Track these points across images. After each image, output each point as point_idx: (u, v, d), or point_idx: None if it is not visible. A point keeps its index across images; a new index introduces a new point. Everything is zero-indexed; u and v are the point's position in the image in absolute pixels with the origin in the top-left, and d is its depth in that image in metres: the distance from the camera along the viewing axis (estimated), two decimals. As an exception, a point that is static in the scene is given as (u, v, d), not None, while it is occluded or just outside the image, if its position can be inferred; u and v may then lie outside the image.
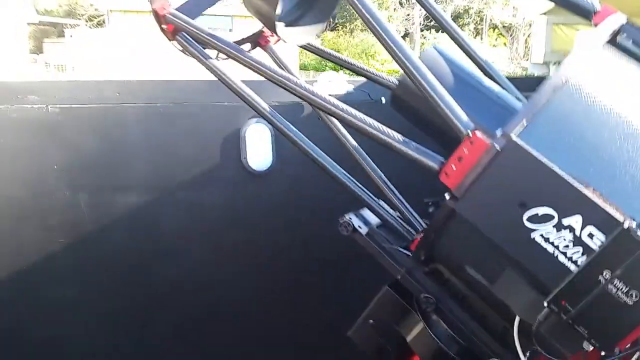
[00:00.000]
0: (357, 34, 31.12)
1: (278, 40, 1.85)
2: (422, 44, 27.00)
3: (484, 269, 1.22)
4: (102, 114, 2.62)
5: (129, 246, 2.73)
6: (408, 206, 1.52)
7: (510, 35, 26.05)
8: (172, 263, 2.78)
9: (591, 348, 1.08)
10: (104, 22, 26.69)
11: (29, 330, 2.64)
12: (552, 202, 1.06)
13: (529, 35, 26.72)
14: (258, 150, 2.83)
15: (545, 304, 1.08)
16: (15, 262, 2.61)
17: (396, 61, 1.26)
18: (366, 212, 1.60)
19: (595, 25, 1.33)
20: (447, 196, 1.16)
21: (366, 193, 1.53)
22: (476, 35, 29.08)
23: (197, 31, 1.50)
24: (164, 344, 2.83)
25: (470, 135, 1.13)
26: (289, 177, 2.88)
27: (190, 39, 1.52)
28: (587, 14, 1.36)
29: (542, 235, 1.07)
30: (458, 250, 1.28)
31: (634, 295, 1.01)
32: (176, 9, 1.50)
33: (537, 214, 1.07)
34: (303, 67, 24.44)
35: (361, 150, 1.64)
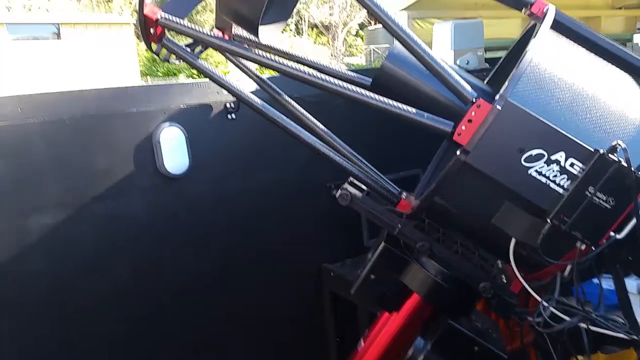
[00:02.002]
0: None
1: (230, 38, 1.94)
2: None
3: (484, 210, 1.52)
4: (3, 133, 2.42)
5: (48, 270, 2.57)
6: (382, 175, 1.76)
7: (330, 34, 27.67)
8: (96, 279, 2.69)
9: (584, 246, 1.46)
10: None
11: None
12: (541, 144, 1.41)
13: (347, 33, 28.72)
14: (173, 153, 2.84)
15: (549, 220, 1.43)
16: None
17: (397, 38, 1.49)
18: (348, 185, 1.80)
19: (530, 15, 1.70)
20: (458, 152, 1.44)
21: (351, 164, 1.72)
22: (297, 34, 30.42)
23: (194, 31, 1.56)
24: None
25: (476, 101, 1.43)
26: (207, 179, 2.94)
27: (175, 42, 1.58)
28: (524, 6, 1.72)
29: (536, 170, 1.42)
30: (461, 199, 1.57)
31: (611, 201, 1.41)
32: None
33: (531, 155, 1.41)
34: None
35: (331, 133, 1.82)
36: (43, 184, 2.54)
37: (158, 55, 1.64)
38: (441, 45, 3.88)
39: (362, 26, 29.76)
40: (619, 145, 1.42)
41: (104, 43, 20.03)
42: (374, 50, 25.86)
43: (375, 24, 28.94)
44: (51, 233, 2.56)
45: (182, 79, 21.71)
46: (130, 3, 30.78)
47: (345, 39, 28.79)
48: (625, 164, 1.41)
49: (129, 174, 2.75)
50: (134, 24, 20.37)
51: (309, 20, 29.64)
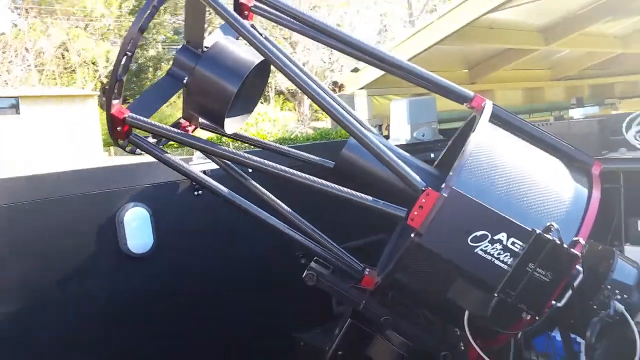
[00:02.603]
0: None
1: (196, 128, 2.06)
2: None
3: (440, 285, 1.63)
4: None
5: (7, 358, 2.51)
6: (346, 252, 1.86)
7: (296, 100, 28.37)
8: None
9: (529, 317, 1.60)
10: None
11: None
12: (484, 226, 1.57)
13: (313, 99, 29.47)
14: (137, 233, 2.87)
15: (496, 295, 1.57)
16: None
17: (354, 137, 1.63)
18: (315, 264, 1.89)
19: (471, 107, 1.88)
20: (412, 235, 1.58)
21: (317, 245, 1.82)
22: (264, 102, 31.09)
23: (159, 129, 1.66)
24: None
25: (425, 189, 1.58)
26: (172, 256, 2.96)
27: (144, 138, 1.68)
28: (465, 100, 1.90)
29: (482, 249, 1.57)
30: (418, 275, 1.68)
31: (549, 275, 1.57)
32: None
33: (476, 235, 1.57)
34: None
35: (295, 213, 1.92)
36: (3, 269, 2.52)
37: (124, 149, 1.73)
38: (398, 119, 4.10)
39: (327, 92, 30.64)
40: (553, 226, 1.57)
41: (66, 116, 19.92)
42: (339, 115, 26.58)
43: (339, 90, 29.96)
44: (11, 322, 2.51)
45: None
46: (95, 72, 31.10)
47: (310, 105, 29.54)
48: (558, 242, 1.55)
49: (92, 255, 2.76)
50: (97, 96, 20.54)
51: (275, 87, 30.41)
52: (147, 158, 2.17)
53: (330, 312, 3.34)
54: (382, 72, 4.72)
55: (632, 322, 1.74)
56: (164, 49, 33.67)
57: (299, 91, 28.26)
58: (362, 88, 4.83)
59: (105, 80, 31.37)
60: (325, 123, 29.78)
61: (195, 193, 3.05)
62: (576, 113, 3.63)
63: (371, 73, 4.87)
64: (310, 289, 3.24)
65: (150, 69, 31.98)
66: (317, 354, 2.13)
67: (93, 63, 30.56)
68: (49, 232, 2.65)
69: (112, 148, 23.53)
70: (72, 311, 2.68)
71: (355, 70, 5.02)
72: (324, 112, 1.75)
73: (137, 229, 2.87)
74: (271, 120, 24.04)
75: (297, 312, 3.36)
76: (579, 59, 6.84)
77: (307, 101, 28.44)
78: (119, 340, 2.78)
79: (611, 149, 3.33)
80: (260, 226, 3.03)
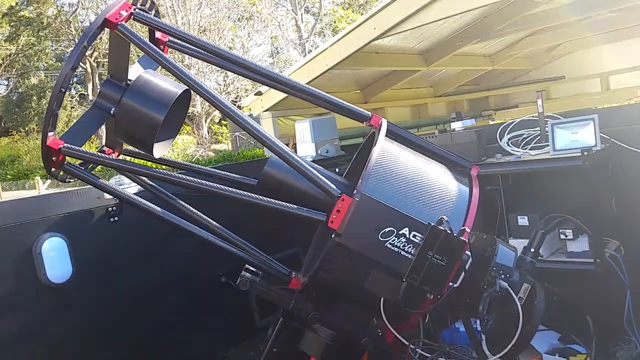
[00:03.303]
0: (34, 135, 28.91)
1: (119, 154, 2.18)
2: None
3: (358, 278, 1.89)
4: None
5: None
6: (271, 258, 2.07)
7: (194, 124, 28.03)
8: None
9: (432, 296, 1.90)
10: None
11: None
12: (390, 223, 1.86)
13: (211, 122, 29.27)
14: (55, 262, 2.87)
15: (404, 280, 1.86)
16: None
17: (272, 151, 1.85)
18: (246, 272, 2.09)
19: (370, 125, 2.18)
20: (333, 235, 1.84)
21: (248, 255, 2.02)
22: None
23: (93, 156, 1.78)
24: None
25: (340, 195, 1.84)
26: (92, 282, 2.98)
27: (76, 165, 1.78)
28: (364, 119, 2.20)
29: (390, 243, 1.87)
30: (339, 271, 1.93)
31: (444, 260, 1.87)
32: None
33: (385, 231, 1.86)
34: None
35: (219, 225, 2.10)
36: None
37: (56, 178, 1.82)
38: (303, 138, 4.39)
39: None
40: (444, 218, 1.90)
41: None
42: (239, 136, 26.72)
43: (237, 112, 29.98)
44: None
45: (38, 180, 20.47)
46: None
47: (210, 127, 29.32)
48: (449, 232, 1.88)
49: (10, 288, 2.72)
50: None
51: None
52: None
53: (251, 328, 3.51)
54: (284, 95, 5.06)
55: (515, 296, 2.12)
56: (46, 77, 31.81)
57: (197, 114, 28.08)
58: (266, 110, 5.08)
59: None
60: (226, 145, 29.75)
61: (111, 219, 3.10)
62: (457, 125, 4.10)
63: (274, 96, 5.13)
64: (232, 306, 3.39)
65: (34, 98, 29.99)
66: None
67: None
68: None
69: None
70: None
71: (259, 93, 5.26)
72: (246, 133, 1.96)
73: (56, 258, 2.87)
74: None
75: (219, 330, 3.49)
76: (455, 76, 7.60)
77: (205, 124, 28.21)
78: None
79: (489, 155, 3.80)
80: (176, 249, 3.16)
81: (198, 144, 27.42)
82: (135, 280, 3.15)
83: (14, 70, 30.81)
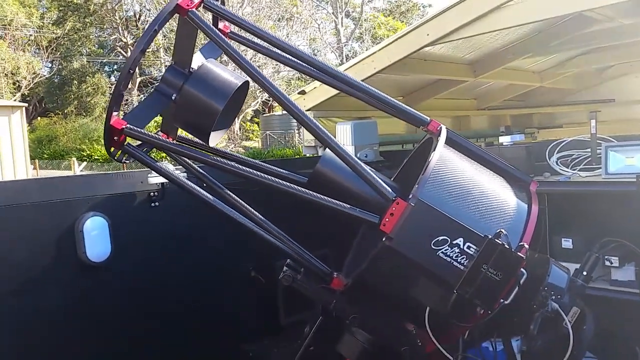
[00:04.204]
0: (72, 118, 29.60)
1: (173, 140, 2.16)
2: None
3: (404, 284, 1.83)
4: None
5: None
6: (314, 257, 2.03)
7: (227, 119, 28.29)
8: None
9: (482, 311, 1.82)
10: None
11: None
12: (445, 232, 1.79)
13: (242, 119, 29.51)
14: (96, 241, 2.89)
15: (455, 292, 1.78)
16: None
17: (332, 150, 1.81)
18: (288, 268, 2.05)
19: (427, 130, 2.12)
20: (384, 239, 1.77)
21: (292, 249, 1.98)
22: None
23: (153, 139, 1.77)
24: None
25: (395, 199, 1.76)
26: (128, 264, 3.00)
27: (135, 147, 1.78)
28: (422, 124, 2.14)
29: (443, 252, 1.79)
30: (385, 276, 1.87)
31: (499, 275, 1.80)
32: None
33: (438, 240, 1.79)
34: None
35: (268, 222, 2.06)
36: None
37: (114, 158, 1.82)
38: (344, 140, 4.34)
39: (257, 112, 30.87)
40: (502, 232, 1.82)
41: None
42: (269, 135, 26.87)
43: (269, 111, 30.29)
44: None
45: (74, 161, 20.95)
46: (15, 83, 29.54)
47: (241, 124, 29.56)
48: (507, 246, 1.80)
49: (51, 264, 2.75)
50: (25, 108, 19.44)
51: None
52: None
53: (275, 326, 3.48)
54: (328, 96, 5.02)
55: (566, 319, 2.04)
56: (88, 62, 32.52)
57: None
58: (308, 110, 5.03)
59: (27, 92, 29.86)
60: (256, 143, 29.93)
61: (152, 204, 3.11)
62: (505, 139, 4.01)
63: (318, 96, 5.09)
64: (258, 301, 3.37)
65: (75, 82, 30.67)
66: None
67: (13, 74, 29.00)
68: (7, 240, 2.63)
69: (37, 161, 22.35)
70: (30, 319, 2.65)
71: (302, 92, 5.21)
72: (303, 127, 1.93)
73: (96, 237, 2.89)
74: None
75: (244, 323, 3.47)
76: (501, 90, 7.44)
77: (237, 121, 28.46)
78: (78, 347, 2.76)
79: (536, 172, 3.71)
80: (209, 241, 3.16)
81: (229, 139, 27.65)
82: (169, 265, 3.15)
83: (59, 53, 31.59)
